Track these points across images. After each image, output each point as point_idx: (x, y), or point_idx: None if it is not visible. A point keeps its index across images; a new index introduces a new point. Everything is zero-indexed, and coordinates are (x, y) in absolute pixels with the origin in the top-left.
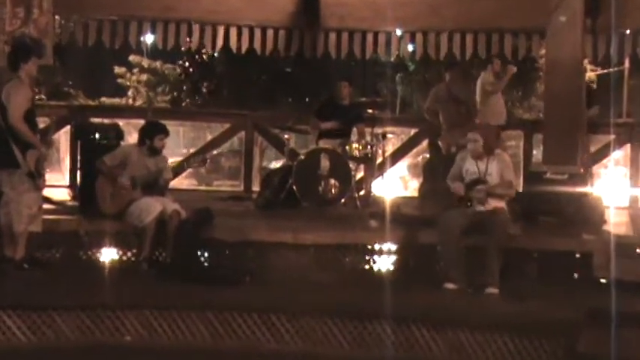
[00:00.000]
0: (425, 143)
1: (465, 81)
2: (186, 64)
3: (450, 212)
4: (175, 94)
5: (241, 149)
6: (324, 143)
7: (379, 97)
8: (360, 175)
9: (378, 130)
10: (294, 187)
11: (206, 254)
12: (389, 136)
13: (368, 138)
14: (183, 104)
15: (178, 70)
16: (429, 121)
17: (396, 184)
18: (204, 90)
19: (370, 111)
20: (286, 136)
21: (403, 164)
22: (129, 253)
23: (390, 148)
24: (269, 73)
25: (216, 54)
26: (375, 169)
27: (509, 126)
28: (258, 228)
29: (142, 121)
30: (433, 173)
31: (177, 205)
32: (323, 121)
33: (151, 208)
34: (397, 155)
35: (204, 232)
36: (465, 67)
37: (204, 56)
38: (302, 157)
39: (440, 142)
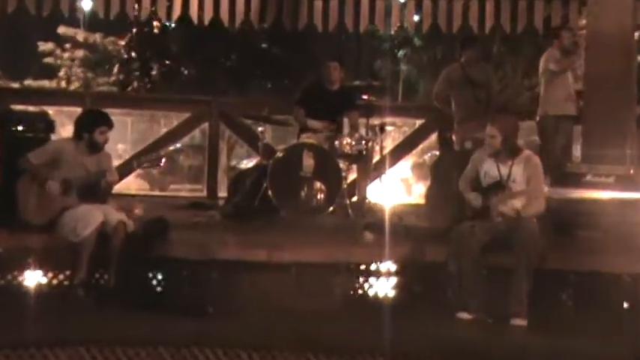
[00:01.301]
0: (433, 137)
1: (485, 60)
2: (135, 38)
3: (466, 225)
4: (121, 76)
5: (204, 144)
6: (307, 137)
7: (376, 80)
8: (352, 176)
9: (375, 122)
10: (271, 192)
11: (159, 276)
12: (388, 128)
13: (362, 131)
14: (131, 88)
15: (124, 45)
16: (438, 109)
17: (397, 188)
18: (156, 71)
19: (365, 97)
20: (260, 128)
21: (406, 164)
22: (61, 276)
23: (389, 144)
24: (239, 50)
25: (172, 25)
26: (371, 170)
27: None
28: (225, 243)
29: (78, 110)
30: (443, 175)
31: (122, 215)
32: (307, 110)
33: (89, 218)
34: (399, 152)
35: (158, 248)
36: (484, 42)
37: (157, 28)
38: (280, 154)
39: (452, 136)
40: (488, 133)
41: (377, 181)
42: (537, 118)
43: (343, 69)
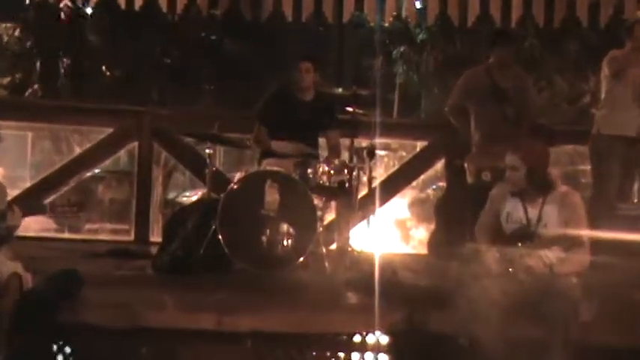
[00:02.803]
0: (439, 166)
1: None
2: (35, 23)
3: (483, 283)
4: (18, 75)
5: (132, 171)
6: (271, 164)
7: (364, 87)
8: (330, 217)
9: (363, 143)
10: (221, 237)
11: (67, 350)
12: (380, 152)
13: (345, 156)
14: (30, 92)
15: (19, 34)
16: (446, 128)
17: (390, 232)
18: (66, 69)
19: (349, 110)
20: (208, 150)
21: (403, 201)
22: None
23: (381, 173)
24: (181, 44)
25: (89, 10)
26: (356, 208)
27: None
28: (159, 305)
29: None
30: (452, 217)
31: (18, 266)
32: (271, 127)
33: None
34: (393, 185)
35: (67, 312)
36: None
37: (67, 13)
38: (234, 185)
39: (466, 165)
40: (509, 164)
41: (363, 223)
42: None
43: (319, 71)
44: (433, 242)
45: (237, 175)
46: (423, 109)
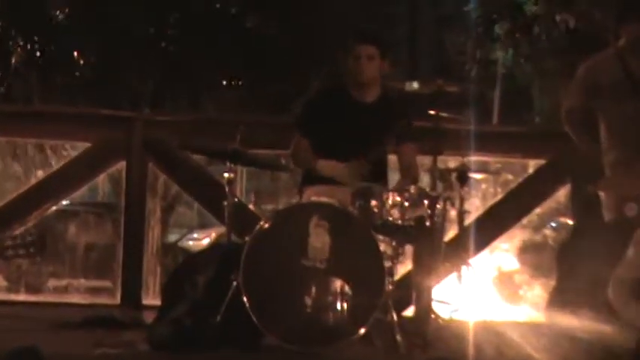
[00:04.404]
0: (562, 194)
1: None
2: None
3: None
4: None
5: (117, 203)
6: (318, 192)
7: (451, 81)
8: (404, 269)
9: (450, 162)
10: (246, 299)
11: None
12: (475, 176)
13: (425, 181)
14: None
15: None
16: (570, 139)
17: (491, 291)
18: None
19: (432, 114)
20: (227, 173)
21: (509, 245)
22: None
23: (477, 206)
24: (184, 20)
25: None
26: (442, 256)
27: None
28: None
29: None
30: (581, 267)
31: None
32: (316, 141)
33: None
34: (495, 223)
35: None
36: None
37: None
38: (265, 224)
39: (599, 193)
40: None
41: (452, 277)
42: None
43: (387, 59)
44: (554, 304)
45: (269, 210)
46: (538, 110)
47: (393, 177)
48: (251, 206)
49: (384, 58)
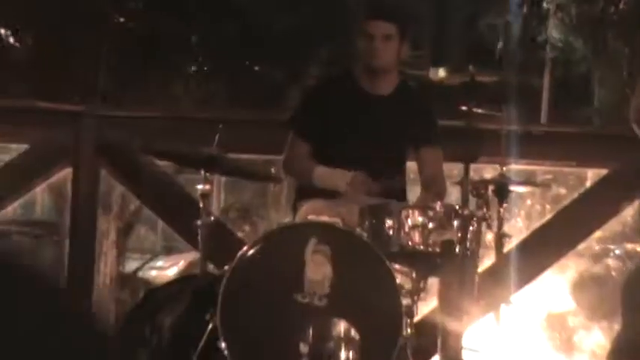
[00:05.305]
0: (629, 214)
1: None
2: None
3: None
4: None
5: (59, 222)
6: (317, 209)
7: (485, 68)
8: (427, 307)
9: (485, 172)
10: (225, 345)
11: None
12: (518, 189)
13: (454, 195)
14: None
15: None
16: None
17: (537, 336)
18: None
19: (462, 110)
20: (201, 185)
21: (561, 278)
22: None
23: (520, 228)
24: None
25: None
26: (475, 291)
27: None
28: None
29: None
30: None
31: None
32: (318, 143)
33: None
34: (543, 249)
35: None
36: None
37: None
38: (250, 249)
39: None
40: None
41: (489, 318)
42: None
43: (407, 41)
44: (618, 355)
45: (255, 231)
46: (598, 105)
47: (414, 190)
48: (231, 227)
49: (403, 39)
